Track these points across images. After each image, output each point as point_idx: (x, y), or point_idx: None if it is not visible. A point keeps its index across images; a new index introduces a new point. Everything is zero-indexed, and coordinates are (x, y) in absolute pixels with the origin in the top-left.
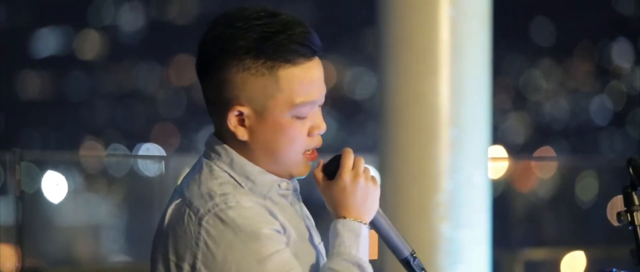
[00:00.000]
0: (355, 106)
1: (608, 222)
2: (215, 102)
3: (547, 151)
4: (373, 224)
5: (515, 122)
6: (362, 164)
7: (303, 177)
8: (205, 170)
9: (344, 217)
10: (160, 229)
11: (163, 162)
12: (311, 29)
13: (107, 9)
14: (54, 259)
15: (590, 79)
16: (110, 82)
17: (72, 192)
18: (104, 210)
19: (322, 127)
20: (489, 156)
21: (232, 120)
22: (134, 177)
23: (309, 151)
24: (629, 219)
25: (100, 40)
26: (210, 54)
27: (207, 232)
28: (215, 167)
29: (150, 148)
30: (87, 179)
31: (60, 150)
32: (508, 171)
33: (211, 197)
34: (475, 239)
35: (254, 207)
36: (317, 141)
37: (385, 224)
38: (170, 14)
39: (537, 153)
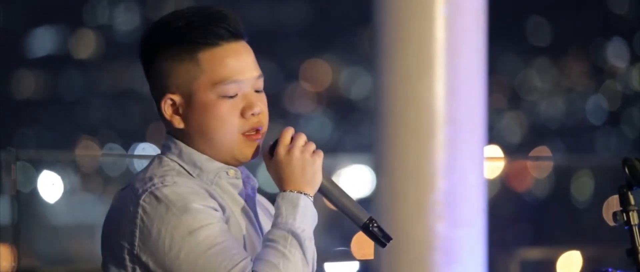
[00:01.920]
0: (350, 106)
1: (604, 221)
2: (155, 97)
3: (542, 150)
4: (324, 195)
5: (510, 121)
6: (301, 138)
7: (249, 160)
8: (155, 162)
9: (284, 190)
10: (107, 215)
11: None
12: (234, 14)
13: (103, 8)
14: (49, 259)
15: (585, 78)
16: (106, 81)
17: (67, 192)
18: (99, 209)
19: (255, 109)
20: (485, 155)
21: (167, 110)
22: (130, 176)
23: (246, 131)
24: (625, 218)
25: (95, 39)
26: (143, 51)
27: (143, 209)
28: (165, 159)
29: (146, 148)
30: (82, 178)
31: (55, 149)
32: (504, 170)
33: (150, 179)
34: (471, 238)
35: (190, 186)
36: (253, 122)
37: (336, 193)
38: (165, 12)
39: (532, 153)
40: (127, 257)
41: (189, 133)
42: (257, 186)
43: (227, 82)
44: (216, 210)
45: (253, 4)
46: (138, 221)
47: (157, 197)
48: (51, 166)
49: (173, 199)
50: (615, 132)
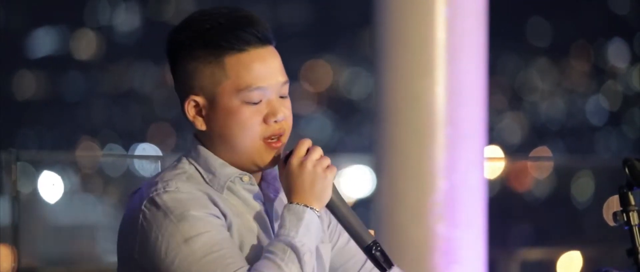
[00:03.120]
0: (351, 106)
1: (604, 222)
2: (179, 98)
3: (543, 151)
4: (331, 211)
5: (511, 122)
6: (316, 152)
7: (269, 167)
8: (173, 164)
9: (291, 202)
10: (122, 217)
11: (159, 162)
12: (263, 20)
13: (103, 9)
14: (50, 259)
15: (586, 79)
16: (107, 82)
17: (68, 192)
18: (100, 210)
19: (277, 116)
20: (485, 156)
21: (190, 111)
22: (130, 177)
23: (267, 137)
24: (625, 219)
25: (96, 40)
26: (170, 50)
27: (144, 215)
28: (183, 160)
29: (146, 148)
30: (83, 179)
31: (56, 150)
32: (504, 171)
33: (155, 184)
34: (471, 239)
35: (191, 192)
36: (275, 129)
37: (344, 211)
38: (166, 14)
39: (533, 153)
40: (132, 261)
41: (211, 135)
42: (281, 189)
43: (251, 89)
44: (217, 217)
45: (253, 5)
46: (139, 227)
47: (156, 204)
48: (51, 167)
49: (171, 206)
50: (615, 132)
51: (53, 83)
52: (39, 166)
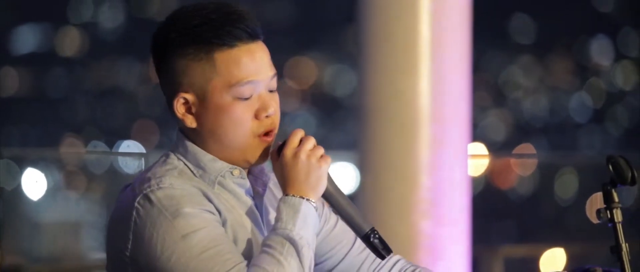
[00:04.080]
0: (335, 103)
1: (587, 219)
2: (166, 95)
3: (526, 148)
4: (328, 201)
5: (495, 119)
6: (309, 142)
7: (261, 163)
8: (162, 159)
9: (286, 194)
10: (111, 214)
11: (143, 159)
12: (251, 14)
13: (87, 6)
14: (34, 257)
15: (569, 76)
16: (91, 79)
17: (51, 189)
18: (83, 207)
19: (269, 110)
20: (469, 153)
21: (179, 109)
22: (114, 174)
23: (260, 133)
24: (609, 216)
25: (80, 37)
26: (156, 46)
27: (137, 212)
28: (172, 156)
29: (130, 145)
30: (66, 176)
31: (40, 147)
32: (488, 168)
33: (148, 180)
34: (455, 236)
35: (185, 189)
36: (267, 124)
37: (341, 201)
38: (150, 11)
39: (516, 150)
40: (123, 258)
41: (201, 132)
42: (269, 182)
43: (242, 84)
44: (212, 213)
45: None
46: (132, 224)
47: (150, 200)
48: (35, 164)
49: (166, 204)
50: (599, 130)
51: (36, 80)
52: (22, 163)
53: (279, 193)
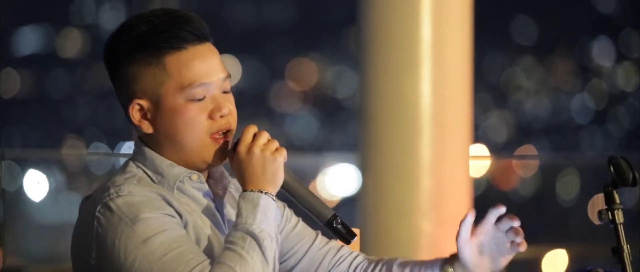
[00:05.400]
0: (336, 104)
1: (589, 220)
2: (122, 104)
3: (528, 149)
4: (288, 192)
5: (496, 120)
6: (262, 136)
7: (219, 163)
8: (121, 168)
9: (245, 190)
10: (75, 224)
11: None
12: (197, 17)
13: (89, 7)
14: (35, 258)
15: (571, 77)
16: (92, 80)
17: (53, 191)
18: None
19: (223, 110)
20: (471, 154)
21: (134, 115)
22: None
23: (214, 133)
24: (610, 217)
25: (81, 38)
26: (107, 58)
27: (98, 221)
28: (131, 164)
29: (131, 146)
30: (68, 177)
31: (41, 148)
32: (490, 169)
33: (107, 189)
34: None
35: (144, 195)
36: (221, 124)
37: (301, 191)
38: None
39: (518, 151)
40: (89, 268)
41: (157, 138)
42: (229, 185)
43: (194, 86)
44: (172, 217)
45: (239, 3)
46: (94, 233)
47: (110, 209)
48: (37, 165)
49: (125, 210)
50: (600, 131)
51: (38, 81)
52: (24, 164)
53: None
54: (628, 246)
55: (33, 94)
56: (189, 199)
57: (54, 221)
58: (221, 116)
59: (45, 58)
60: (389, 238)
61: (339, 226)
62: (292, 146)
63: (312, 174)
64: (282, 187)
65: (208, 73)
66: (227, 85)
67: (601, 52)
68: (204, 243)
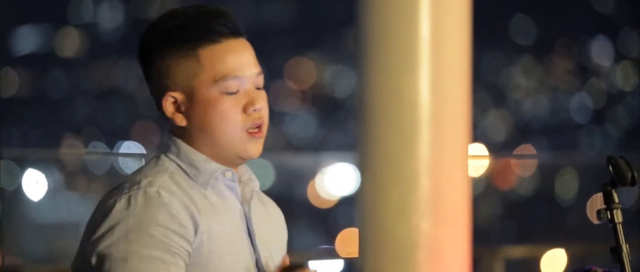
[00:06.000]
0: (335, 104)
1: (588, 219)
2: (155, 98)
3: (527, 148)
4: None
5: (495, 120)
6: None
7: (253, 158)
8: (152, 161)
9: None
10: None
11: (143, 160)
12: (232, 12)
13: (87, 6)
14: (33, 257)
15: (570, 76)
16: (91, 80)
17: (52, 190)
18: (83, 208)
19: (256, 104)
20: (469, 153)
21: (168, 108)
22: (114, 175)
23: (248, 128)
24: (609, 216)
25: (80, 38)
26: (141, 54)
27: (115, 208)
28: (163, 158)
29: (130, 146)
30: (67, 176)
31: (40, 148)
32: (488, 168)
33: (138, 182)
34: (455, 236)
35: (170, 203)
36: (254, 118)
37: None
38: (150, 11)
39: (517, 151)
40: (86, 246)
41: (191, 131)
42: (257, 188)
43: (228, 78)
44: (181, 236)
45: (238, 2)
46: (108, 217)
47: (129, 203)
48: (35, 164)
49: (138, 213)
50: (599, 130)
51: (37, 81)
52: (22, 164)
53: (265, 201)
54: (627, 245)
55: (32, 93)
56: (219, 198)
57: (53, 220)
58: (254, 110)
59: (43, 57)
60: (387, 238)
61: None
62: (290, 145)
63: (310, 174)
64: None
65: (241, 67)
66: (260, 81)
67: (600, 51)
68: (225, 249)
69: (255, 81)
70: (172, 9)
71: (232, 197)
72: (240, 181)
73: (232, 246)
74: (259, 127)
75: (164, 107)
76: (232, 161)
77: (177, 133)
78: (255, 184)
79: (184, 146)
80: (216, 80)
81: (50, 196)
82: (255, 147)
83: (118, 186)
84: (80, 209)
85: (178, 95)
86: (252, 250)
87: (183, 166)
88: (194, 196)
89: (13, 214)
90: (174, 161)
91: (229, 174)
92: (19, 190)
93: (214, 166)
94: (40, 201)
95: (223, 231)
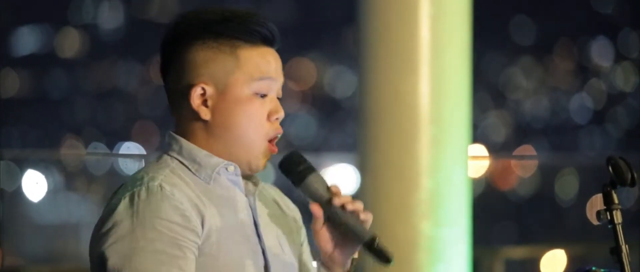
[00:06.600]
0: (335, 105)
1: (588, 220)
2: (178, 89)
3: (527, 149)
4: (330, 211)
5: (495, 120)
6: None
7: (259, 171)
8: (154, 160)
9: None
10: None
11: (143, 160)
12: (270, 21)
13: (87, 7)
14: (34, 258)
15: (570, 77)
16: (91, 80)
17: (52, 191)
18: (84, 208)
19: (281, 113)
20: (469, 154)
21: (195, 100)
22: (114, 175)
23: (270, 138)
24: (609, 217)
25: (80, 38)
26: (173, 40)
27: (119, 206)
28: (164, 156)
29: (130, 147)
30: (67, 177)
31: (40, 148)
32: (488, 169)
33: (141, 179)
34: (455, 237)
35: (172, 196)
36: (276, 127)
37: (342, 215)
38: (150, 12)
39: (517, 152)
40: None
41: (211, 126)
42: (259, 182)
43: (263, 78)
44: (185, 228)
45: (238, 2)
46: (109, 215)
47: (132, 199)
48: (35, 165)
49: (141, 209)
50: (599, 131)
51: (37, 81)
52: (22, 165)
53: (271, 193)
54: (627, 246)
55: (32, 94)
56: (223, 191)
57: (53, 221)
58: (276, 119)
59: (44, 58)
60: (387, 238)
61: (378, 248)
62: (290, 146)
63: None
64: (323, 206)
65: (275, 72)
66: (280, 93)
67: (600, 52)
68: (231, 242)
69: (279, 91)
70: (206, 7)
71: (236, 190)
72: (243, 175)
73: (239, 236)
74: (273, 140)
75: (191, 97)
76: (241, 163)
77: (183, 132)
78: (257, 179)
79: (185, 143)
80: (252, 79)
81: (50, 197)
82: (264, 161)
83: (122, 185)
84: (80, 210)
85: (209, 89)
86: (258, 241)
87: (185, 162)
88: (198, 189)
89: (13, 214)
90: (175, 158)
91: (231, 168)
92: (18, 191)
93: (216, 160)
94: (40, 202)
95: (229, 222)
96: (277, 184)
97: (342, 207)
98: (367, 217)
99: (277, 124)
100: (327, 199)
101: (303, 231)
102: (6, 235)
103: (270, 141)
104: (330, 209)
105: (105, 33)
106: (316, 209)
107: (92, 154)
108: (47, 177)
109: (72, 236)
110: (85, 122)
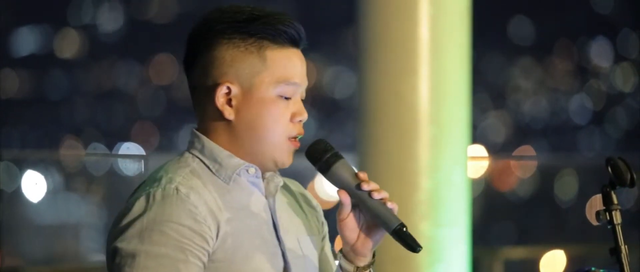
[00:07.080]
0: (334, 105)
1: (587, 221)
2: (202, 86)
3: (526, 149)
4: (357, 199)
5: (494, 121)
6: None
7: (285, 167)
8: (175, 158)
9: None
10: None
11: (143, 161)
12: (297, 22)
13: (87, 8)
14: (33, 258)
15: (569, 78)
16: (90, 81)
17: (51, 192)
18: (83, 209)
19: (304, 115)
20: (469, 154)
21: (220, 99)
22: (114, 176)
23: (292, 137)
24: (608, 218)
25: (79, 39)
26: (199, 36)
27: (134, 205)
28: (186, 155)
29: (130, 147)
30: (66, 178)
31: (39, 149)
32: (488, 170)
33: (159, 180)
34: (454, 237)
35: (188, 200)
36: (299, 128)
37: (370, 203)
38: (150, 13)
39: (516, 152)
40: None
41: (235, 126)
42: (281, 183)
43: (289, 82)
44: (195, 234)
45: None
46: (126, 214)
47: (147, 200)
48: (35, 166)
49: (154, 211)
50: (599, 131)
51: (36, 82)
52: (22, 165)
53: (287, 199)
54: (626, 246)
55: (31, 94)
56: (243, 193)
57: (52, 222)
58: (299, 120)
59: (43, 59)
60: (386, 239)
61: (407, 234)
62: None
63: (310, 175)
64: (351, 193)
65: (301, 76)
66: (304, 94)
67: (599, 52)
68: (250, 245)
69: (303, 93)
70: (231, 4)
71: (256, 192)
72: (263, 177)
73: (257, 239)
74: (294, 138)
75: (216, 96)
76: (265, 165)
77: (205, 130)
78: (279, 180)
79: (207, 142)
80: (278, 81)
81: (49, 197)
82: (290, 158)
83: (142, 183)
84: (79, 211)
85: (235, 88)
86: (277, 243)
87: (206, 161)
88: (216, 191)
89: (12, 215)
90: (197, 156)
91: (251, 170)
92: (18, 191)
93: (237, 161)
94: (40, 202)
95: (248, 224)
96: (290, 173)
97: (369, 194)
98: (394, 206)
99: (299, 126)
100: (355, 185)
101: (325, 227)
102: (6, 235)
103: (291, 139)
104: (358, 196)
105: (104, 34)
106: (344, 196)
107: (92, 154)
108: (46, 178)
109: (72, 237)
110: (84, 122)
